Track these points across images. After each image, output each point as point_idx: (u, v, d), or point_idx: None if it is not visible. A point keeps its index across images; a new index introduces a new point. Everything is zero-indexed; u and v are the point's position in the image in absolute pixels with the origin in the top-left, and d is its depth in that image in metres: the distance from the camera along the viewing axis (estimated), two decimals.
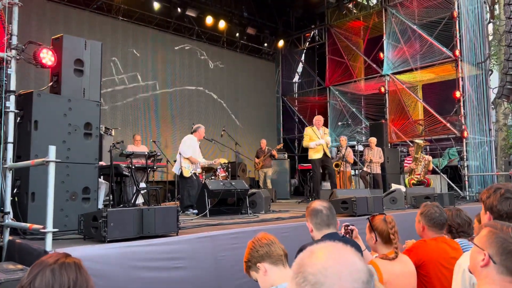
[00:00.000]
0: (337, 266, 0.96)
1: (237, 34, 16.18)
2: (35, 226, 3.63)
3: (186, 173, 7.73)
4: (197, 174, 8.08)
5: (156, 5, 13.56)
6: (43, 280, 1.46)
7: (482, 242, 1.71)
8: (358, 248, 2.90)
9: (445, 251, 3.03)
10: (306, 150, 16.42)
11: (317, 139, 9.09)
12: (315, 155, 9.13)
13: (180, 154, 7.84)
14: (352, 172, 12.58)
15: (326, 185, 13.47)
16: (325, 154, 9.19)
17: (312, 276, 0.95)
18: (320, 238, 2.83)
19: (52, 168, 3.37)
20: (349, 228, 3.23)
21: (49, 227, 3.36)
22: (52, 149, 3.40)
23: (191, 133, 8.30)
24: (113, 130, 9.78)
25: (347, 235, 3.18)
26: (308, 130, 9.31)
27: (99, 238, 3.77)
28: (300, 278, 0.97)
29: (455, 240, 3.32)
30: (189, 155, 7.79)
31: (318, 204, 2.99)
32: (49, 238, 3.36)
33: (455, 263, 2.52)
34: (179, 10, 14.11)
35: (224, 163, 9.17)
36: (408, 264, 2.87)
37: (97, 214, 3.83)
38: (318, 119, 9.40)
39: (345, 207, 6.27)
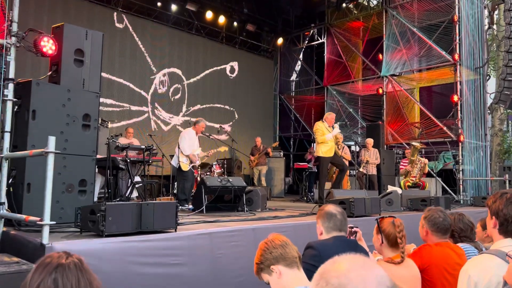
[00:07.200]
0: (361, 271, 0.96)
1: (237, 30, 16.09)
2: (32, 218, 3.56)
3: (185, 167, 7.73)
4: (194, 168, 8.09)
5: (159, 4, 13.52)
6: None
7: None
8: (364, 252, 2.87)
9: (450, 257, 3.00)
10: (302, 148, 16.62)
11: (330, 137, 8.57)
12: (326, 153, 8.54)
13: (178, 148, 7.79)
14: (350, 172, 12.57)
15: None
16: (335, 153, 8.76)
17: (336, 278, 0.94)
18: (328, 238, 2.80)
19: (51, 160, 3.30)
20: (353, 229, 3.19)
21: (47, 219, 3.28)
22: (52, 140, 3.32)
23: (191, 126, 8.26)
24: (109, 122, 9.69)
25: (351, 237, 3.14)
26: (320, 125, 8.63)
27: (96, 232, 3.72)
28: (323, 282, 0.96)
29: (458, 245, 3.29)
30: (188, 153, 7.76)
31: (332, 208, 2.94)
32: (46, 231, 3.29)
33: (459, 269, 2.47)
34: (174, 5, 14.01)
35: (225, 150, 9.16)
36: (413, 268, 2.84)
37: (95, 208, 3.76)
38: (331, 117, 8.88)
39: (342, 208, 6.23)
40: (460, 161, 11.89)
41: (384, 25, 14.09)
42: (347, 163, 11.06)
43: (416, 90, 14.17)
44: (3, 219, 4.08)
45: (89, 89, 5.06)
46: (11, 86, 4.27)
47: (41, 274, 1.48)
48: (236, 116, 15.74)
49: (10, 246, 3.82)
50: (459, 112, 12.05)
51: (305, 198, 11.31)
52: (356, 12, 15.89)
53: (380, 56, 14.26)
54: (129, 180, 7.38)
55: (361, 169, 11.09)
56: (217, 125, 13.63)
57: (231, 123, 15.50)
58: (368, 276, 0.95)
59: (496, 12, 14.29)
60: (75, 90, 4.86)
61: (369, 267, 0.98)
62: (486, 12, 13.57)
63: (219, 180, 6.76)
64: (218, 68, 15.37)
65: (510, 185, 10.37)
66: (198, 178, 8.59)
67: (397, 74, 13.79)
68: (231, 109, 15.64)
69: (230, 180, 6.85)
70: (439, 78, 13.17)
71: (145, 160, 7.60)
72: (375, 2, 15.47)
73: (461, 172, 11.85)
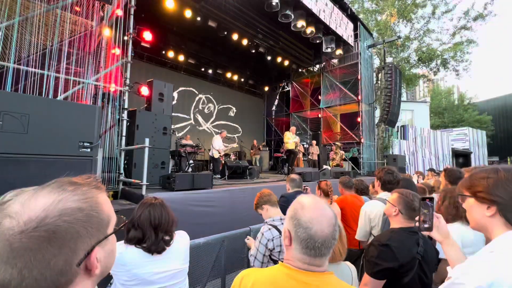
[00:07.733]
0: (318, 216, 0.90)
1: (243, 83, 15.99)
2: (136, 181, 3.57)
3: (216, 156, 7.67)
4: (221, 156, 8.04)
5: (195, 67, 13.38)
6: (143, 216, 1.48)
7: (394, 201, 1.63)
8: None
9: (355, 202, 3.02)
10: (278, 146, 16.52)
11: (293, 140, 8.61)
12: (292, 147, 8.52)
13: (212, 146, 7.77)
14: (303, 158, 12.51)
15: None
16: (295, 147, 8.76)
17: (303, 222, 0.89)
18: (292, 191, 2.82)
19: (147, 151, 3.32)
20: (305, 187, 3.22)
21: (144, 181, 3.30)
22: (147, 140, 3.35)
23: (218, 133, 8.22)
24: (176, 131, 9.61)
25: (305, 191, 3.16)
26: (287, 133, 8.61)
27: (170, 189, 3.73)
28: (295, 221, 0.91)
29: (360, 196, 3.31)
30: (217, 148, 7.73)
31: (295, 175, 2.96)
32: (144, 187, 3.31)
33: (360, 208, 2.50)
34: (210, 70, 13.92)
35: (239, 145, 9.03)
36: (337, 208, 2.85)
37: (170, 175, 3.77)
38: (293, 129, 8.85)
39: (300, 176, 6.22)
40: (361, 152, 11.92)
41: (321, 81, 14.07)
42: (301, 154, 11.07)
43: (338, 115, 14.17)
44: (121, 182, 4.10)
45: (166, 113, 5.05)
46: (125, 112, 4.27)
47: (140, 208, 1.51)
48: (243, 129, 15.66)
49: (125, 195, 3.85)
50: (361, 126, 12.08)
51: (280, 172, 11.29)
52: (306, 74, 15.88)
53: (319, 97, 14.26)
54: (187, 162, 7.38)
55: (309, 157, 11.10)
56: (231, 135, 13.54)
57: (239, 134, 15.44)
58: (323, 219, 0.89)
59: (380, 74, 14.32)
60: (158, 114, 4.86)
61: (323, 212, 0.91)
62: (375, 74, 13.60)
63: (234, 162, 6.76)
64: (233, 103, 15.29)
65: (386, 164, 10.38)
66: (223, 161, 8.57)
67: (328, 106, 13.80)
68: (241, 126, 15.58)
69: (240, 162, 6.85)
70: (350, 109, 13.15)
71: (195, 152, 7.58)
72: (316, 68, 15.44)
73: (362, 158, 11.87)
